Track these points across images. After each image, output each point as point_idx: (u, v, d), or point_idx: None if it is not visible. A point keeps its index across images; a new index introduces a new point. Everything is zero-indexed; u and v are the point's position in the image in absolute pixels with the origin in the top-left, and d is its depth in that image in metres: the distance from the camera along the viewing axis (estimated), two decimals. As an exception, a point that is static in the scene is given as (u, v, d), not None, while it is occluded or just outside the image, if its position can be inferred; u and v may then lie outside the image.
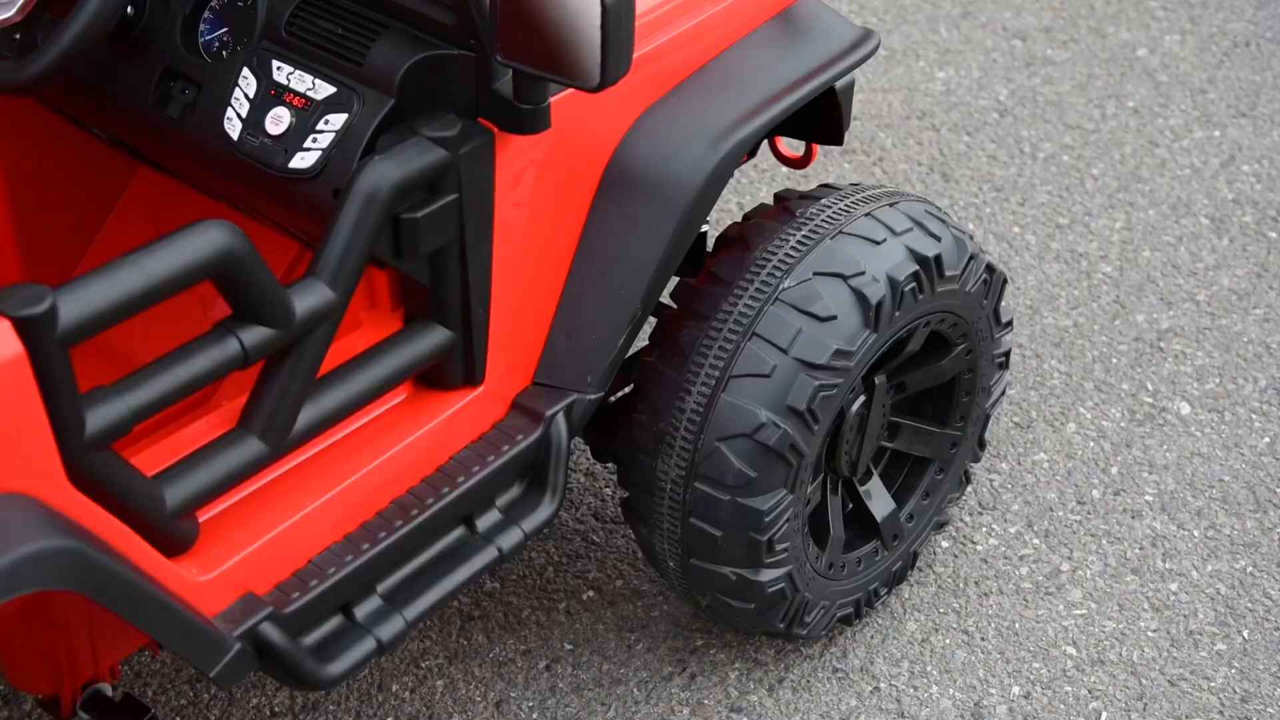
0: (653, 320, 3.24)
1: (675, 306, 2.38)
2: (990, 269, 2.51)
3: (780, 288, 2.29)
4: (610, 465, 3.02)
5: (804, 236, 2.34)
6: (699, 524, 2.34)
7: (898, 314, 2.34)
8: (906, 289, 2.33)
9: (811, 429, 2.30)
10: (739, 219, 3.60)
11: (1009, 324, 2.62)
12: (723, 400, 2.27)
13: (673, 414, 2.31)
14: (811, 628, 2.57)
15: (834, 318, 2.27)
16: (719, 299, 2.31)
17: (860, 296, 2.29)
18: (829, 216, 2.38)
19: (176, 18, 2.10)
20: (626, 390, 2.55)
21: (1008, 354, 2.68)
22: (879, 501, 2.61)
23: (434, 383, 2.17)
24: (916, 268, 2.34)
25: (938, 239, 2.38)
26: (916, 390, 2.58)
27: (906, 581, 2.83)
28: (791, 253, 2.32)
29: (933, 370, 2.55)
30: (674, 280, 2.74)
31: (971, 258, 2.45)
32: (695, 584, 2.45)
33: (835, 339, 2.27)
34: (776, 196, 2.49)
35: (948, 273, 2.39)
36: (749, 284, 2.30)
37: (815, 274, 2.30)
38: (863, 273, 2.30)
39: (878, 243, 2.34)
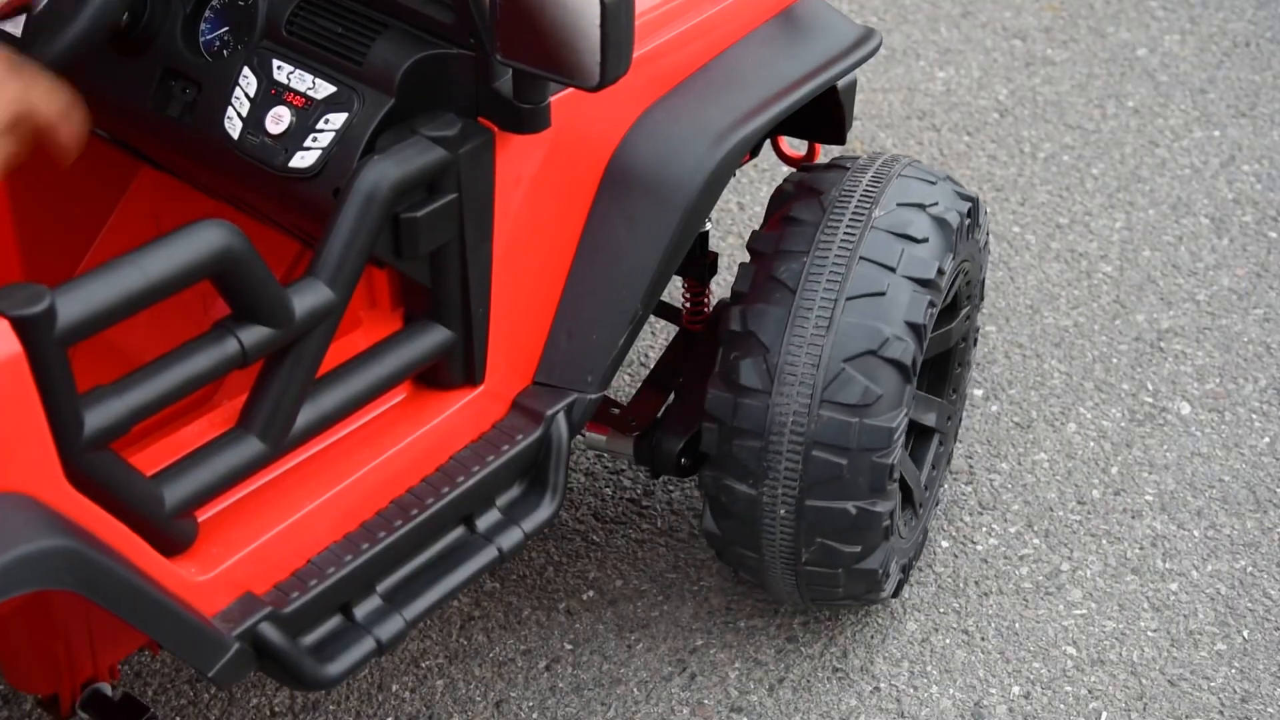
0: (654, 320, 3.26)
1: (755, 255, 2.45)
2: (988, 234, 2.68)
3: (873, 216, 2.41)
4: (609, 465, 3.02)
5: (872, 179, 2.48)
6: (823, 455, 2.36)
7: (960, 246, 2.49)
8: (965, 223, 2.50)
9: (922, 346, 2.39)
10: (741, 218, 3.61)
11: (983, 298, 2.79)
12: (844, 321, 2.34)
13: (789, 345, 2.35)
14: (890, 583, 2.60)
15: (927, 239, 2.41)
16: (812, 234, 2.41)
17: (941, 222, 2.44)
18: (881, 165, 2.52)
19: (177, 17, 2.10)
20: (669, 401, 2.60)
21: (978, 330, 2.87)
22: (908, 467, 2.65)
23: (434, 382, 2.17)
24: (969, 204, 2.52)
25: (966, 188, 2.60)
26: (929, 355, 2.65)
27: (907, 581, 2.83)
28: (869, 190, 2.45)
29: (943, 335, 2.64)
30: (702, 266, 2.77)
31: (985, 213, 2.64)
32: (805, 530, 2.44)
33: (933, 258, 2.40)
34: (802, 168, 2.60)
35: (980, 220, 2.58)
36: (840, 216, 2.41)
37: (898, 204, 2.43)
38: (936, 203, 2.46)
39: (933, 183, 2.50)
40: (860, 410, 2.34)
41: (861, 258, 2.37)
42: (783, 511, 2.42)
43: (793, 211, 2.44)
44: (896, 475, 2.43)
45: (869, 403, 2.34)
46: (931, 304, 2.38)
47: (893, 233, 2.39)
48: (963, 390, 2.82)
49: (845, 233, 2.39)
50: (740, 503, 2.44)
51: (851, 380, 2.33)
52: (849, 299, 2.35)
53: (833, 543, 2.44)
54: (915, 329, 2.36)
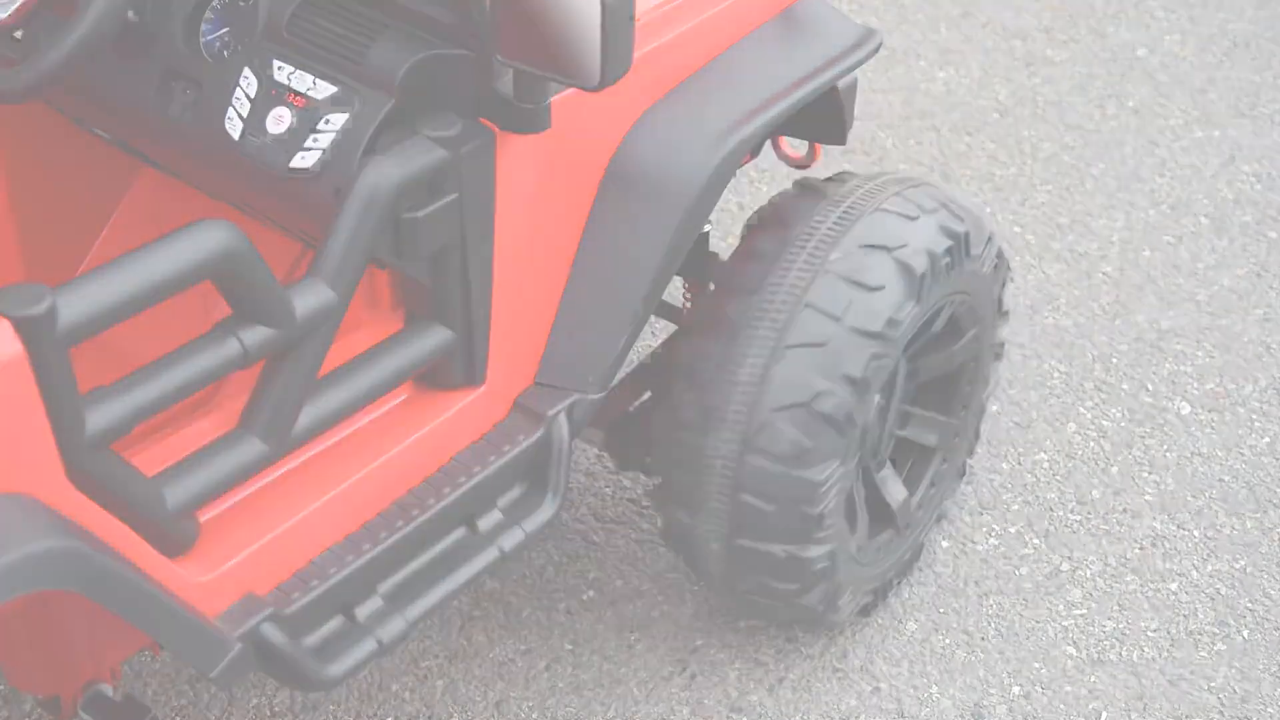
0: (655, 320, 3.26)
1: (716, 286, 2.40)
2: (1000, 254, 2.58)
3: (828, 259, 2.32)
4: (609, 465, 3.02)
5: (843, 214, 2.39)
6: (750, 500, 2.33)
7: (934, 287, 2.39)
8: (943, 263, 2.39)
9: (864, 399, 2.32)
10: (741, 218, 3.61)
11: (1007, 313, 2.69)
12: (777, 371, 2.29)
13: (724, 387, 2.31)
14: (842, 612, 2.58)
15: (882, 287, 2.32)
16: (765, 273, 2.34)
17: (905, 267, 2.34)
18: (862, 196, 2.43)
19: (177, 18, 2.10)
20: (645, 397, 2.57)
21: (1003, 344, 2.75)
22: (893, 488, 2.63)
23: (435, 383, 2.17)
24: (950, 243, 2.40)
25: (962, 219, 2.46)
26: (928, 377, 2.61)
27: (906, 581, 2.83)
28: (834, 228, 2.37)
29: (945, 356, 2.59)
30: (673, 288, 2.75)
31: (989, 238, 2.53)
32: (738, 566, 2.43)
33: (886, 307, 2.31)
34: (797, 182, 2.53)
35: (973, 251, 2.47)
36: (796, 257, 2.34)
37: (860, 246, 2.34)
38: (905, 245, 2.36)
39: (913, 219, 2.40)
40: (788, 461, 2.30)
41: (807, 304, 2.29)
42: (715, 546, 2.42)
43: (755, 244, 2.39)
44: (830, 524, 2.39)
45: (796, 455, 2.29)
46: (877, 356, 2.30)
47: (845, 279, 2.31)
48: (977, 405, 2.75)
49: (796, 276, 2.31)
50: (680, 528, 2.45)
51: (780, 432, 2.28)
52: (788, 347, 2.28)
53: (767, 579, 2.44)
54: (854, 383, 2.29)
